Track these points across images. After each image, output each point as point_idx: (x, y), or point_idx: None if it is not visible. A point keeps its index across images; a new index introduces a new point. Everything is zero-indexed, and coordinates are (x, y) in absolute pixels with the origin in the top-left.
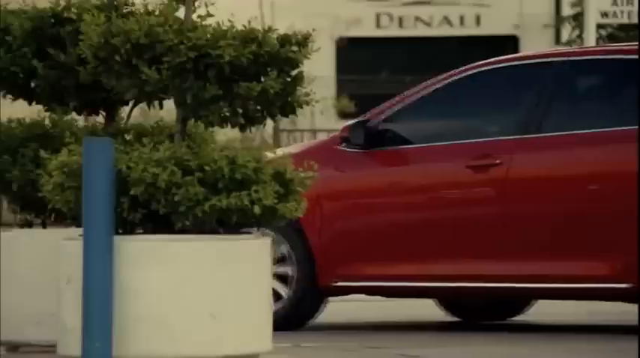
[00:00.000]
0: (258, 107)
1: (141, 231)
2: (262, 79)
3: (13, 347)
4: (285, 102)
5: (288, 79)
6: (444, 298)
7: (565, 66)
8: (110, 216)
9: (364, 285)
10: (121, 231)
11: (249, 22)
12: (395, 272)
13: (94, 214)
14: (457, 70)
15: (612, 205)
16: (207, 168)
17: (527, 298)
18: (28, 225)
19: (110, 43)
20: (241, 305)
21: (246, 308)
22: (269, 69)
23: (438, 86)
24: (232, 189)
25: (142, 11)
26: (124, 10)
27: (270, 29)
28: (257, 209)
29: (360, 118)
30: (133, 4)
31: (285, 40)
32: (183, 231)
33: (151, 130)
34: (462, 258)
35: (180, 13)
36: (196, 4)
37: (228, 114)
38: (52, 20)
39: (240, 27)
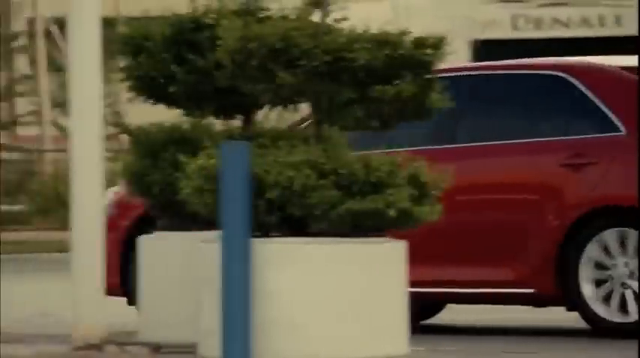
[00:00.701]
0: (393, 110)
1: (277, 233)
2: (396, 82)
3: (155, 347)
4: (419, 105)
5: (423, 83)
6: None
7: (474, 79)
8: (247, 219)
9: None
10: (257, 234)
11: (384, 25)
12: None
13: (232, 217)
14: None
15: (519, 214)
16: (342, 171)
17: (442, 302)
18: (168, 228)
19: (246, 47)
20: (376, 307)
21: (381, 311)
22: (403, 72)
23: None
24: (367, 192)
25: (277, 16)
26: (261, 15)
27: (404, 32)
28: (392, 212)
29: None
30: (270, 10)
31: (419, 42)
32: (318, 233)
33: (286, 134)
34: None
35: (316, 17)
36: (331, 8)
37: (362, 117)
38: (192, 26)
39: (374, 30)
